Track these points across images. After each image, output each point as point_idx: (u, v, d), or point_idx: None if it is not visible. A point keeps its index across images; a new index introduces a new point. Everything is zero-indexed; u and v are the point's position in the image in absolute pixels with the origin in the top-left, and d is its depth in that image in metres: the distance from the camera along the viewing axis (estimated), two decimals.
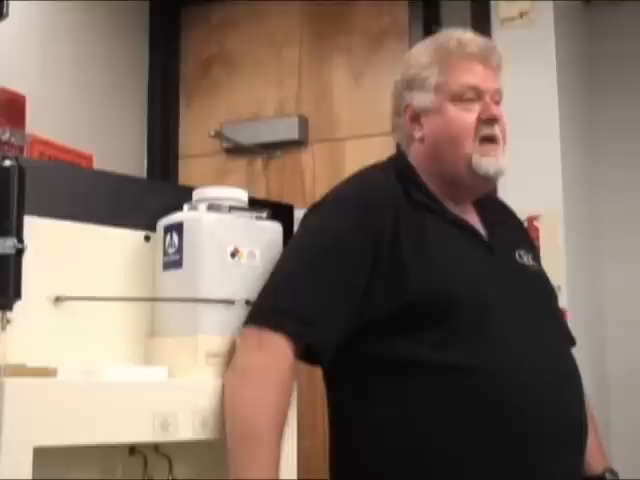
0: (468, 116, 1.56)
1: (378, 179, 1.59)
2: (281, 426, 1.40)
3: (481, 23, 2.85)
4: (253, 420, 1.38)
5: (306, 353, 1.45)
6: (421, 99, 1.59)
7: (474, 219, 1.62)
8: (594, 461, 1.64)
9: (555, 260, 2.63)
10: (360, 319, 1.47)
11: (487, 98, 1.57)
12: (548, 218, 2.70)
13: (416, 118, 1.60)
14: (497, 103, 1.59)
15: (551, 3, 2.82)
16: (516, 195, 2.58)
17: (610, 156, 3.13)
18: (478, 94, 1.57)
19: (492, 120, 1.56)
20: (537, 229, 2.68)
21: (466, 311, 1.46)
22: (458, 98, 1.56)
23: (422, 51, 1.63)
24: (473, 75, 1.57)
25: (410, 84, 1.61)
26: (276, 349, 1.42)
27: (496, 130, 1.57)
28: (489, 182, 1.59)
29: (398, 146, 1.68)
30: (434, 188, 1.59)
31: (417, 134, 1.60)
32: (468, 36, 1.60)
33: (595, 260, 3.08)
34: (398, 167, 1.61)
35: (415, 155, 1.62)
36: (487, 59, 1.59)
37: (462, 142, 1.55)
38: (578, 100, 3.05)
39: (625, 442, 2.78)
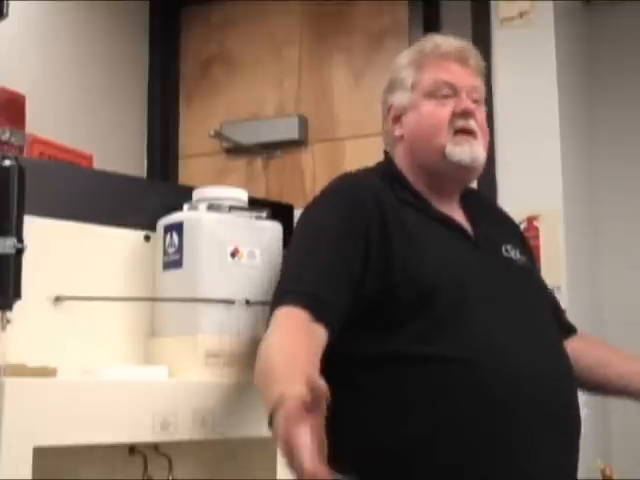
0: (442, 110, 1.57)
1: (367, 176, 1.62)
2: (296, 359, 1.34)
3: (481, 23, 2.85)
4: (269, 355, 1.36)
5: None
6: (400, 99, 1.63)
7: (459, 215, 1.64)
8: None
9: (555, 260, 2.63)
10: (353, 309, 1.47)
11: (463, 94, 1.59)
12: (548, 218, 2.70)
13: (397, 118, 1.64)
14: (475, 101, 1.60)
15: (551, 3, 2.82)
16: (516, 195, 2.59)
17: (610, 156, 3.13)
18: (454, 90, 1.58)
19: (466, 114, 1.57)
20: (537, 229, 2.68)
21: (446, 302, 1.46)
22: (433, 94, 1.58)
23: (403, 55, 1.68)
24: (448, 73, 1.59)
25: (391, 86, 1.66)
26: (299, 316, 1.41)
27: (471, 123, 1.58)
28: (467, 170, 1.59)
29: (385, 152, 1.69)
30: (418, 185, 1.61)
31: (397, 132, 1.63)
32: (446, 39, 1.64)
33: (595, 260, 3.08)
34: (383, 169, 1.65)
35: (399, 155, 1.64)
36: (464, 59, 1.61)
37: (436, 135, 1.57)
38: (578, 100, 3.05)
39: (625, 442, 2.78)
